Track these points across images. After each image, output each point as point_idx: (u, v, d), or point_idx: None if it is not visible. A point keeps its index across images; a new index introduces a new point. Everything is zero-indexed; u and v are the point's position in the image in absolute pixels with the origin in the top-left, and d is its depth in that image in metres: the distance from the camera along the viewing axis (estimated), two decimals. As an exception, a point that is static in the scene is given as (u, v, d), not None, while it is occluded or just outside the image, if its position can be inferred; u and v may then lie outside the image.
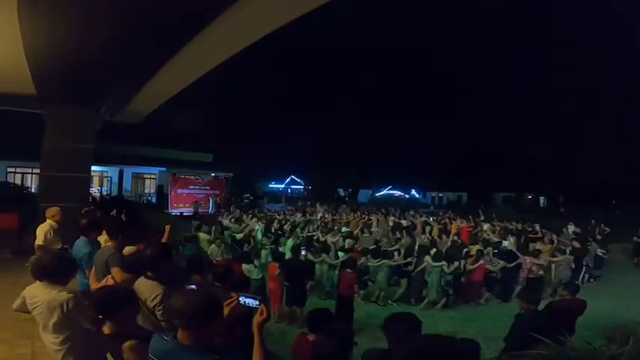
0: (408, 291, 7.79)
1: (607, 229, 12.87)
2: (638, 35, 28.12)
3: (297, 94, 41.77)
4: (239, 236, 9.69)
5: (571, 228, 12.68)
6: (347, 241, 8.47)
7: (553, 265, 8.12)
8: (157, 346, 1.57)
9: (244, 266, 6.26)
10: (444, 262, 7.33)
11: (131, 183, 22.72)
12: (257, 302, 1.81)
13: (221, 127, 34.25)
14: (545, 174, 32.18)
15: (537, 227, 12.77)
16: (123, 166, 21.80)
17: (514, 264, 7.92)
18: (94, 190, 19.93)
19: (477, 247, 8.60)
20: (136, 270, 2.59)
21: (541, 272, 7.95)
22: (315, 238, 10.08)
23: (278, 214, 16.94)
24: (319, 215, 16.57)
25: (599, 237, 11.18)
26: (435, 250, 7.96)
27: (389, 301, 7.65)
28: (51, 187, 7.14)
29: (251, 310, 1.82)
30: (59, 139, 7.37)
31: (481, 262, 7.72)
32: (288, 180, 44.62)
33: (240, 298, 1.85)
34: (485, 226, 13.40)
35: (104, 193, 19.73)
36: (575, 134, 31.17)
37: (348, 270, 6.22)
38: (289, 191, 43.09)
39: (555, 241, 9.70)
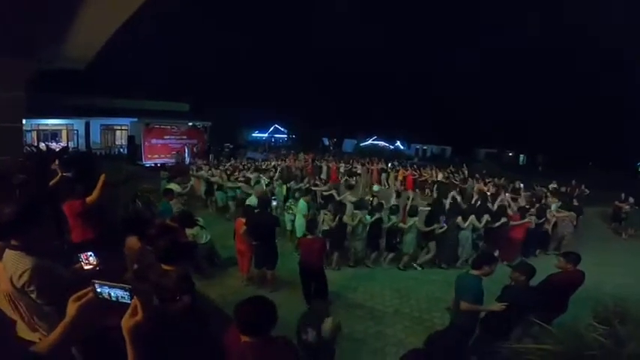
0: (437, 255, 7.34)
1: (586, 190, 12.71)
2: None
3: (279, 40, 38.66)
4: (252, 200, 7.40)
5: (552, 186, 12.66)
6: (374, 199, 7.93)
7: (558, 221, 8.37)
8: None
9: (187, 231, 5.57)
10: (472, 217, 7.17)
11: (100, 135, 21.36)
12: (127, 294, 1.15)
13: (198, 73, 31.90)
14: (525, 133, 32.00)
15: (519, 185, 12.37)
16: (89, 118, 20.36)
17: (543, 220, 8.04)
18: (61, 144, 18.75)
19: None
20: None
21: (547, 227, 8.23)
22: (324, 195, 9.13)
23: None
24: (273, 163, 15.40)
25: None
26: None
27: (413, 264, 7.18)
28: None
29: (121, 307, 1.15)
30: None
31: (526, 220, 7.62)
32: (271, 129, 43.23)
33: (100, 289, 1.16)
34: (440, 175, 14.24)
35: (71, 147, 18.42)
36: (558, 98, 30.29)
37: (310, 236, 5.33)
38: (273, 140, 41.93)
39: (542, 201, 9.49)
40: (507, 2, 33.65)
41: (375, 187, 10.44)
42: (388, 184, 15.66)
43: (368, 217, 7.00)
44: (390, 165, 17.79)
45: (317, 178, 13.06)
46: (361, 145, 38.03)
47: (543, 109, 30.74)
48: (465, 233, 7.15)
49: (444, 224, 7.09)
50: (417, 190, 13.45)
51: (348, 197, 8.32)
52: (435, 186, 13.17)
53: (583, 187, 12.86)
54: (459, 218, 7.15)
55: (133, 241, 3.53)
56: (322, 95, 37.87)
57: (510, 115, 32.12)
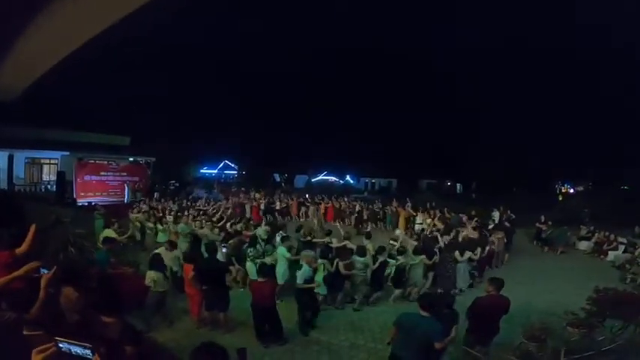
0: (434, 284, 7.73)
1: (512, 215, 14.40)
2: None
3: (227, 72, 39.11)
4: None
5: (495, 214, 14.49)
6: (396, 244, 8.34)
7: (495, 240, 10.09)
8: None
9: (150, 274, 5.27)
10: (469, 253, 7.88)
11: (24, 170, 19.22)
12: (88, 352, 1.28)
13: (140, 105, 30.44)
14: (460, 163, 35.47)
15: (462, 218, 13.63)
16: (13, 150, 18.27)
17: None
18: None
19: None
20: None
21: (494, 247, 9.70)
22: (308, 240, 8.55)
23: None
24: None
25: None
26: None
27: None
28: None
29: None
30: None
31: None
32: (221, 165, 42.27)
33: (61, 345, 1.30)
34: (357, 206, 16.82)
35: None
36: (488, 127, 34.33)
37: (261, 279, 5.30)
38: (223, 177, 40.87)
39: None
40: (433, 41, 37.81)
41: (397, 232, 10.81)
42: (307, 216, 17.05)
43: (392, 261, 7.31)
44: (307, 197, 19.20)
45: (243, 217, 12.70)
46: (312, 180, 38.63)
47: (473, 140, 34.35)
48: (461, 265, 7.86)
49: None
50: (339, 220, 15.13)
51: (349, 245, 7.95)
52: (353, 217, 15.92)
53: (509, 212, 14.61)
54: (457, 252, 7.85)
55: (69, 292, 3.36)
56: (273, 130, 38.35)
57: (447, 146, 35.47)
